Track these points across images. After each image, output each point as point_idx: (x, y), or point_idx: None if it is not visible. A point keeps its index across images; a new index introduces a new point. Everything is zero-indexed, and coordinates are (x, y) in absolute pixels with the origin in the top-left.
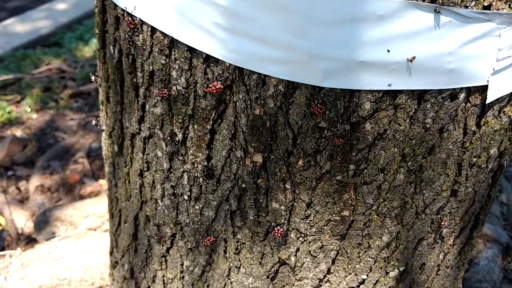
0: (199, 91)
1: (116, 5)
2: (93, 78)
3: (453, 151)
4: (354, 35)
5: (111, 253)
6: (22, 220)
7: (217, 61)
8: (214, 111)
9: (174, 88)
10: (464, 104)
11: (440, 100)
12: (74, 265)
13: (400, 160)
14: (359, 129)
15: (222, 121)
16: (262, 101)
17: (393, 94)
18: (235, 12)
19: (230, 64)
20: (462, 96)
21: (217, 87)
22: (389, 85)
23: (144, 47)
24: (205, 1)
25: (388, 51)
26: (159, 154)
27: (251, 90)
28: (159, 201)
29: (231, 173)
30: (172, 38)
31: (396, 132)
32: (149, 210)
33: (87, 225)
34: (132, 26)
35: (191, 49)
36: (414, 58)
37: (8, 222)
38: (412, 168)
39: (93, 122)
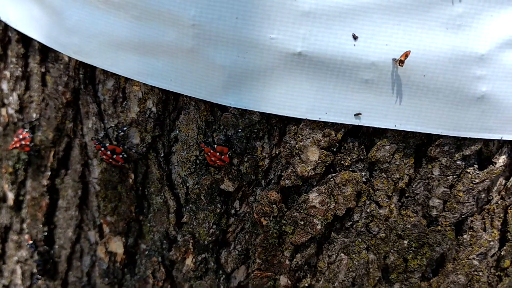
0: (36, 117)
1: None
2: None
3: (480, 271)
4: None
5: None
6: None
7: (56, 57)
8: (53, 152)
9: (4, 112)
10: (504, 180)
11: (458, 162)
12: None
13: (380, 278)
14: (298, 202)
15: (67, 173)
16: (122, 133)
17: (367, 136)
18: None
19: (70, 60)
20: (502, 159)
21: (22, 138)
22: (357, 115)
23: None
24: None
25: (355, 37)
26: None
27: (107, 111)
28: None
29: (82, 272)
30: (6, 25)
31: (371, 219)
32: None
33: None
34: None
35: (26, 41)
36: (406, 55)
37: None
38: None
39: None
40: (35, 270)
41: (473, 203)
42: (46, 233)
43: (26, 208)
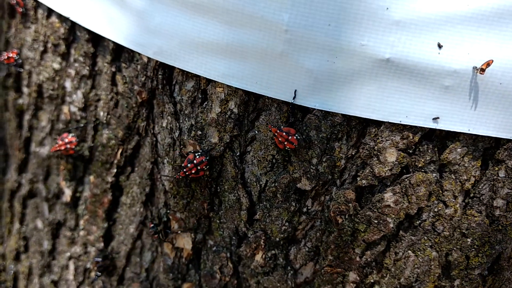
0: (103, 115)
1: None
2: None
3: None
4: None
5: None
6: None
7: (131, 57)
8: (121, 150)
9: (66, 110)
10: None
11: None
12: None
13: (440, 274)
14: (372, 201)
15: (134, 170)
16: (199, 132)
17: (439, 140)
18: None
19: (149, 61)
20: None
21: (68, 142)
22: (435, 119)
23: (36, 45)
24: None
25: (440, 46)
26: (39, 225)
27: (183, 110)
28: None
29: (141, 268)
30: (72, 25)
31: (438, 218)
32: None
33: None
34: (21, 11)
35: (95, 40)
36: (488, 64)
37: None
38: None
39: None
40: (89, 266)
41: None
42: (105, 229)
43: (83, 204)
